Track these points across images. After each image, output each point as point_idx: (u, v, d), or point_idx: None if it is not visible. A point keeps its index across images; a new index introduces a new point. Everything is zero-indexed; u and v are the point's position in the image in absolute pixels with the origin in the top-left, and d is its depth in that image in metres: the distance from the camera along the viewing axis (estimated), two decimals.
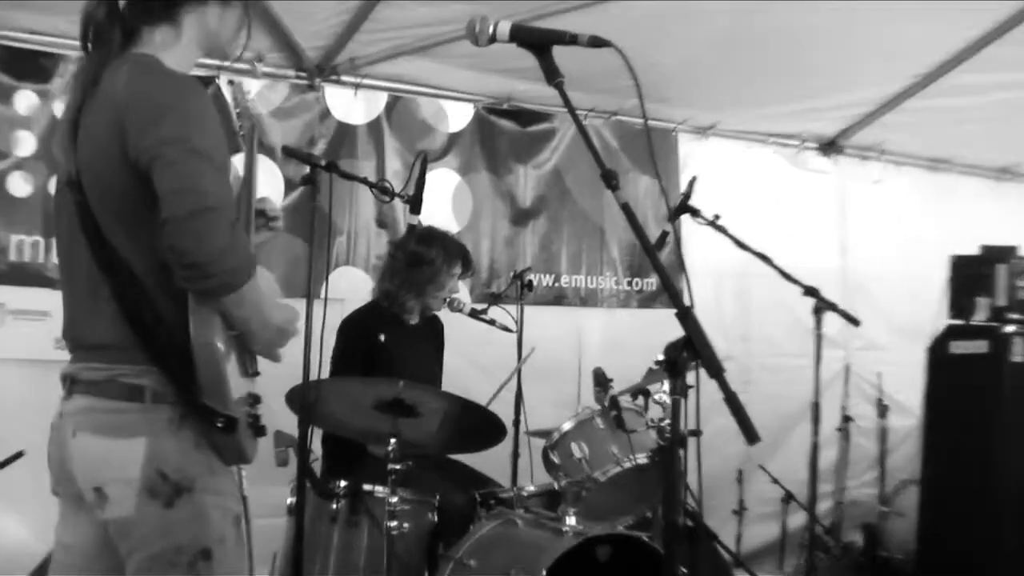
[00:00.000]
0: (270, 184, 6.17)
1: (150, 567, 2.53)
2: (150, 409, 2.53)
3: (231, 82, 3.46)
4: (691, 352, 2.33)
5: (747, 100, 7.30)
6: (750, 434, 2.27)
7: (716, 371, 2.28)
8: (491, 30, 2.71)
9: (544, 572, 4.11)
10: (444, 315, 5.59)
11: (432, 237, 5.36)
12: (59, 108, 5.68)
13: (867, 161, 8.46)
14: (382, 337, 5.18)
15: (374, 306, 5.40)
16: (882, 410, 7.74)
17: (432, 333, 5.62)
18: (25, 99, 5.63)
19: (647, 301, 7.63)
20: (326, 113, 6.54)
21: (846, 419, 7.63)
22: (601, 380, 5.19)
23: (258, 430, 2.72)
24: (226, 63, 5.95)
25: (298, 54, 6.20)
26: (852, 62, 6.65)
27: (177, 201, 2.35)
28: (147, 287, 2.51)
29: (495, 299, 5.80)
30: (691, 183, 5.40)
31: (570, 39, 2.60)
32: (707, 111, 7.56)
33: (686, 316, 2.35)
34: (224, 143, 2.56)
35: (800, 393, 6.33)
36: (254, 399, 2.73)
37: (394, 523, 4.30)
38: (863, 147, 8.35)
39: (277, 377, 3.11)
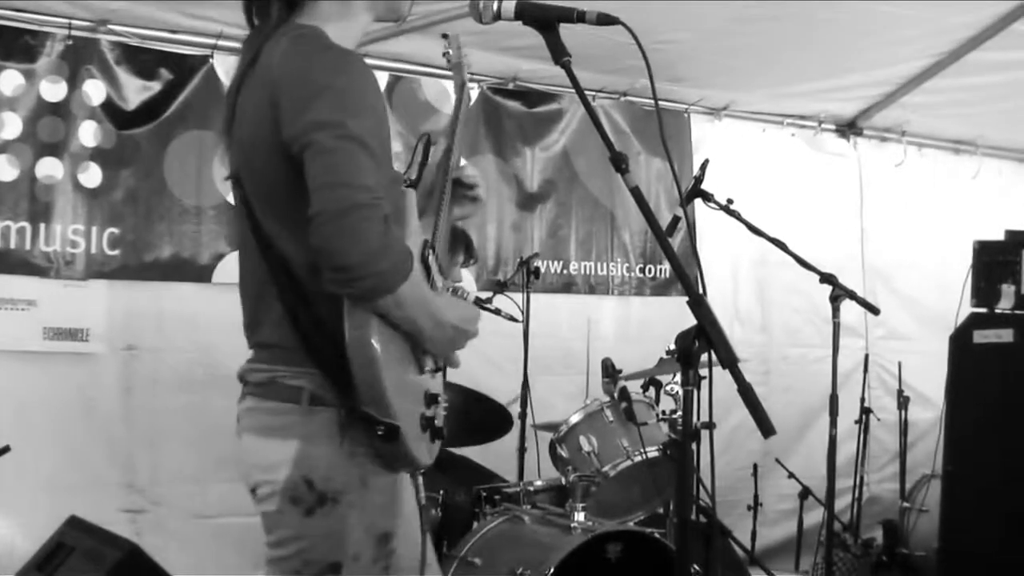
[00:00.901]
0: None
1: (278, 569, 2.53)
2: (307, 412, 2.47)
3: (445, 36, 3.43)
4: (704, 341, 2.33)
5: (763, 80, 7.29)
6: (765, 427, 2.27)
7: (730, 361, 2.27)
8: (495, 7, 2.72)
9: (552, 570, 4.11)
10: None
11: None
12: (46, 88, 5.70)
13: (888, 143, 8.45)
14: None
15: None
16: (903, 402, 7.73)
17: None
18: (10, 79, 5.64)
19: (660, 289, 7.63)
20: None
21: (866, 412, 7.63)
22: (610, 371, 5.19)
23: (435, 432, 2.63)
24: (221, 41, 5.97)
25: None
26: (872, 39, 6.63)
27: (326, 196, 2.26)
28: (305, 286, 2.45)
29: (501, 287, 5.81)
30: (703, 166, 5.40)
31: (578, 17, 2.61)
32: (721, 91, 7.55)
33: (699, 304, 2.35)
34: (385, 127, 2.49)
35: (820, 385, 6.34)
36: (431, 398, 2.64)
37: None
38: (884, 128, 8.34)
39: None
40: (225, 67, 6.08)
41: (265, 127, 2.41)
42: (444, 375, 2.83)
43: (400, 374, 2.47)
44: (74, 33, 5.69)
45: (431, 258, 2.66)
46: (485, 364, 6.34)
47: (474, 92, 7.02)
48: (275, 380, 2.52)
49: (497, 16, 2.72)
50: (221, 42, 5.99)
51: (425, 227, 2.76)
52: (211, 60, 6.05)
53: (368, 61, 7.08)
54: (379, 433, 2.41)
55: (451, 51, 3.39)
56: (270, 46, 2.50)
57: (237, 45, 6.08)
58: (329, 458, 2.46)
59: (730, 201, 5.28)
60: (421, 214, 2.77)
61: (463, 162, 3.14)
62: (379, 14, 2.78)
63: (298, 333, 2.47)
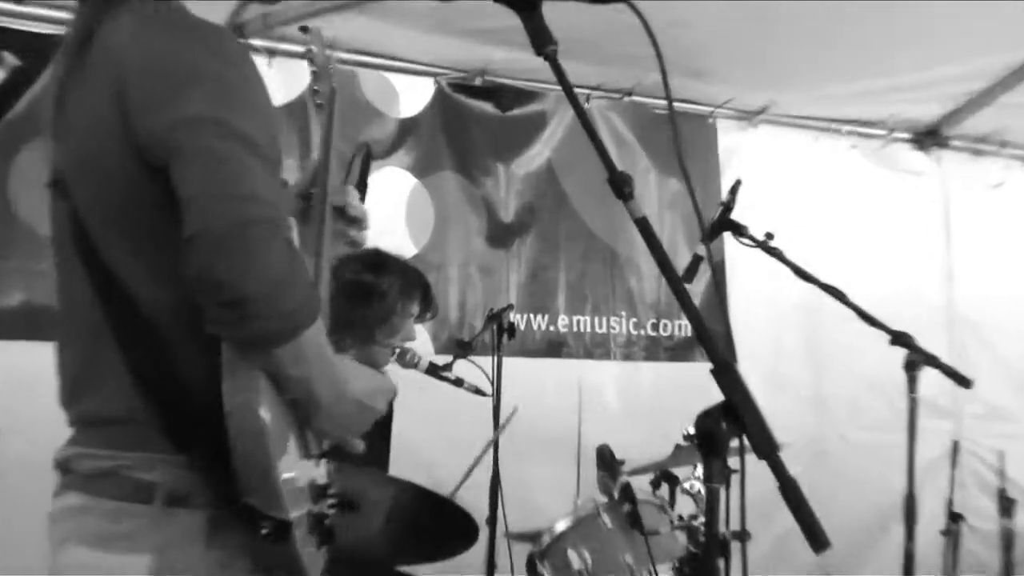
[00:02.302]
0: None
1: None
2: (164, 515, 2.41)
3: (304, 28, 3.44)
4: (733, 422, 2.33)
5: (811, 74, 7.35)
6: (817, 539, 2.26)
7: (768, 449, 2.27)
8: None
9: None
10: (393, 372, 5.60)
11: (384, 261, 5.36)
12: None
13: (981, 157, 8.52)
14: None
15: None
16: (1006, 505, 7.73)
17: None
18: None
19: (679, 352, 7.66)
20: None
21: (955, 518, 7.63)
22: (609, 462, 5.18)
23: (324, 535, 2.62)
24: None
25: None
26: (961, 20, 6.68)
27: (209, 211, 2.21)
28: (162, 333, 2.39)
29: (465, 349, 5.80)
30: (734, 189, 5.42)
31: None
32: (756, 89, 7.61)
33: (726, 372, 2.35)
34: (276, 128, 2.46)
35: (892, 481, 6.31)
36: (319, 491, 2.63)
37: None
38: (975, 138, 8.41)
39: None
40: None
41: (107, 126, 2.37)
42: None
43: (288, 457, 2.44)
44: None
45: None
46: (444, 450, 6.33)
47: (429, 89, 7.06)
48: (117, 471, 2.44)
49: None
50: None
51: None
52: None
53: (285, 47, 7.14)
54: (263, 532, 2.38)
55: (314, 48, 3.45)
56: (108, 23, 2.47)
57: None
58: (197, 572, 2.41)
59: (769, 235, 5.29)
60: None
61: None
62: None
63: (151, 402, 2.41)
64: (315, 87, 3.32)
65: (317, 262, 2.86)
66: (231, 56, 2.41)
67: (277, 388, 2.39)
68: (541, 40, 2.60)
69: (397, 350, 5.37)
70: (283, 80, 6.70)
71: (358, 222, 3.14)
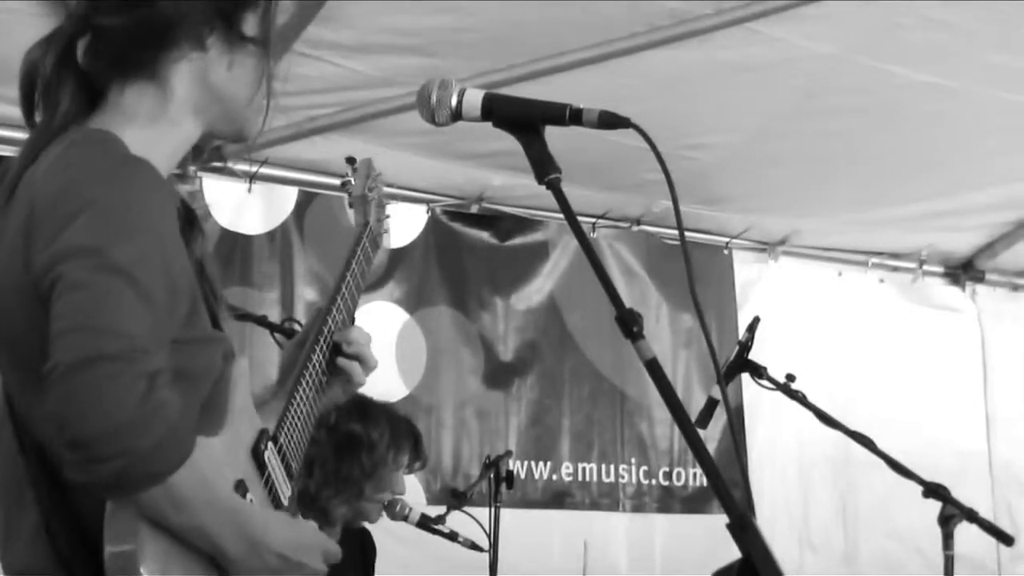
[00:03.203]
0: None
1: None
2: None
3: (351, 161, 3.50)
4: None
5: (834, 201, 7.39)
6: None
7: None
8: (455, 101, 2.72)
9: None
10: (380, 524, 5.55)
11: (372, 409, 5.33)
12: None
13: (1020, 292, 8.53)
14: None
15: None
16: None
17: (356, 555, 5.56)
18: None
19: (695, 503, 7.61)
20: (205, 216, 6.59)
21: None
22: None
23: None
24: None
25: None
26: (998, 140, 6.72)
27: (62, 344, 2.22)
28: (63, 480, 2.35)
29: (459, 500, 5.78)
30: (752, 326, 5.42)
31: (572, 116, 2.61)
32: (775, 217, 7.65)
33: (744, 528, 2.34)
34: (178, 258, 2.46)
35: None
36: None
37: None
38: (1016, 272, 8.44)
39: None
40: None
41: (15, 262, 2.41)
42: None
43: None
44: None
45: (269, 454, 2.66)
46: None
47: (422, 216, 7.10)
48: None
49: (456, 115, 2.72)
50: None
51: (268, 410, 2.78)
52: None
53: (268, 172, 7.19)
54: None
55: (355, 181, 3.49)
56: (41, 156, 2.53)
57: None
58: None
59: (791, 377, 5.29)
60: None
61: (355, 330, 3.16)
62: (213, 126, 2.76)
63: (53, 551, 2.43)
64: (367, 218, 3.37)
65: (288, 403, 2.83)
66: (127, 183, 2.43)
67: (174, 537, 2.35)
68: (544, 168, 2.61)
69: (386, 502, 5.35)
70: (264, 206, 6.75)
71: (362, 363, 3.10)
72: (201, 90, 2.67)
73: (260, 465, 2.61)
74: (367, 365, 3.10)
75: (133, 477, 2.23)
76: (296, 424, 2.82)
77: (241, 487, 2.48)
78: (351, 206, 3.45)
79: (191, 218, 2.74)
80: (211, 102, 2.69)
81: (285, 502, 2.70)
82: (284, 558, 2.48)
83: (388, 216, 3.56)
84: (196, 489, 2.31)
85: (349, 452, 5.20)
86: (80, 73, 2.62)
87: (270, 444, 2.66)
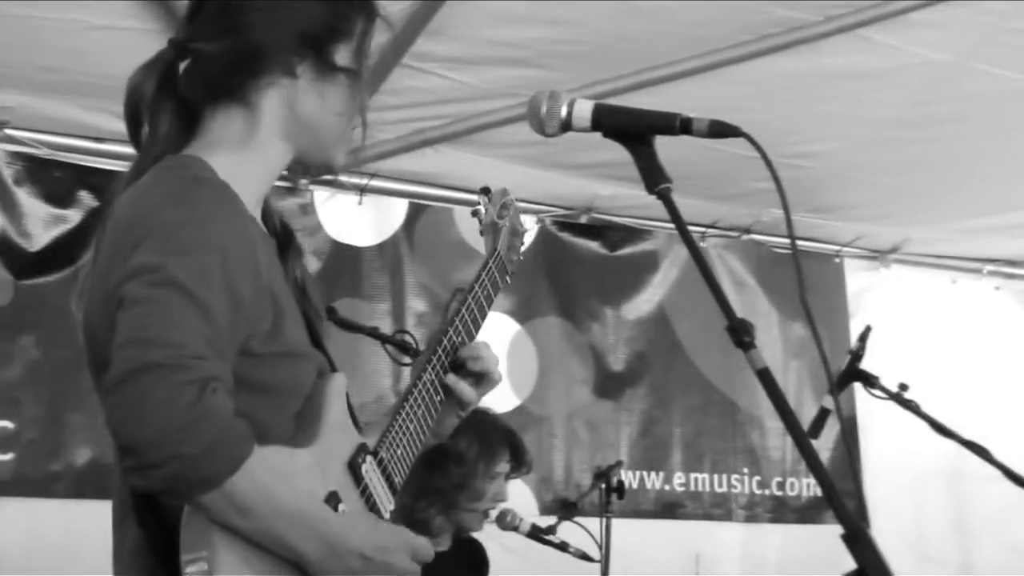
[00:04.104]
0: None
1: None
2: None
3: (487, 191, 3.55)
4: None
5: (947, 208, 7.31)
6: None
7: None
8: (564, 112, 2.71)
9: None
10: (490, 534, 5.56)
11: (464, 420, 5.32)
12: None
13: None
14: None
15: None
16: None
17: (469, 564, 5.57)
18: None
19: (809, 513, 7.56)
20: (316, 229, 6.64)
21: None
22: None
23: None
24: None
25: None
26: None
27: (117, 357, 2.30)
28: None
29: (569, 510, 5.77)
30: (864, 335, 5.38)
31: (682, 126, 2.60)
32: (887, 225, 7.59)
33: (858, 539, 2.32)
34: (244, 272, 2.49)
35: None
36: None
37: None
38: None
39: None
40: None
41: (105, 287, 2.50)
42: None
43: None
44: None
45: (367, 467, 2.67)
46: None
47: (532, 228, 7.09)
48: None
49: (567, 125, 2.72)
50: None
51: (374, 430, 2.79)
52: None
53: (377, 184, 7.22)
54: None
55: (486, 209, 3.50)
56: (140, 181, 2.61)
57: None
58: None
59: (904, 387, 5.24)
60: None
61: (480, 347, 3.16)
62: (301, 153, 2.82)
63: (146, 563, 2.51)
64: (496, 246, 3.40)
65: (393, 420, 2.85)
66: (192, 203, 2.49)
67: (250, 543, 2.39)
68: (654, 178, 2.60)
69: (494, 512, 5.34)
70: (375, 218, 6.78)
71: (481, 379, 3.12)
72: (290, 117, 2.73)
73: (357, 478, 2.63)
74: (491, 381, 3.13)
75: (185, 482, 2.28)
76: (400, 440, 2.84)
77: (333, 498, 2.50)
78: (482, 234, 3.44)
79: (288, 238, 2.83)
80: (299, 130, 2.75)
81: (386, 515, 2.71)
82: (367, 559, 2.50)
83: (523, 244, 3.57)
84: (258, 494, 2.34)
85: (437, 464, 5.21)
86: (179, 98, 2.70)
87: (369, 458, 2.68)
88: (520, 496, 6.49)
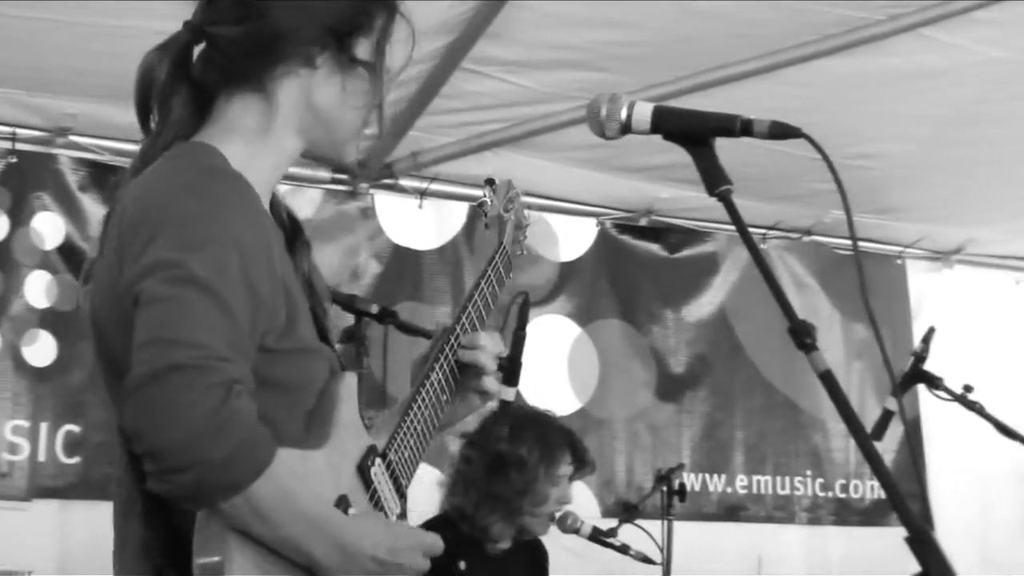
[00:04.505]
0: None
1: None
2: None
3: (491, 182, 3.52)
4: None
5: (1011, 208, 7.24)
6: None
7: None
8: (624, 114, 2.70)
9: None
10: (551, 536, 5.55)
11: (520, 424, 5.30)
12: None
13: None
14: (462, 565, 5.14)
15: (447, 520, 5.37)
16: None
17: (530, 565, 5.56)
18: None
19: (872, 516, 7.52)
20: (377, 232, 6.66)
21: None
22: None
23: None
24: None
25: None
26: None
27: (139, 356, 2.27)
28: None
29: (630, 513, 5.75)
30: (927, 337, 5.35)
31: (743, 128, 2.58)
32: (950, 226, 7.54)
33: (922, 542, 2.30)
34: (264, 268, 2.46)
35: None
36: None
37: None
38: None
39: None
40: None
41: (113, 280, 2.46)
42: None
43: None
44: (20, 147, 5.91)
45: (376, 469, 2.65)
46: None
47: (591, 230, 7.10)
48: None
49: (626, 128, 2.70)
50: None
51: (382, 429, 2.79)
52: None
53: (437, 188, 7.23)
54: None
55: (492, 202, 3.47)
56: (147, 170, 2.58)
57: None
58: None
59: (968, 388, 5.21)
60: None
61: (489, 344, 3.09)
62: (313, 146, 2.78)
63: (151, 564, 2.48)
64: (500, 237, 3.38)
65: (401, 420, 2.84)
66: (211, 195, 2.45)
67: (264, 548, 2.37)
68: (715, 180, 2.57)
69: (557, 515, 5.33)
70: (435, 221, 6.79)
71: (484, 393, 3.11)
72: (306, 108, 2.69)
73: (367, 481, 2.61)
74: (484, 372, 3.08)
75: (208, 487, 2.25)
76: (408, 442, 2.83)
77: (343, 502, 2.48)
78: (487, 227, 3.41)
79: (297, 231, 2.79)
80: (314, 122, 2.71)
81: (393, 519, 2.69)
82: (380, 561, 2.48)
83: (525, 238, 3.55)
84: (279, 500, 2.32)
85: (499, 471, 5.20)
86: (193, 82, 2.66)
87: (378, 460, 2.67)
88: (582, 499, 6.48)
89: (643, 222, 7.21)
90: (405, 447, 2.81)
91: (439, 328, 3.15)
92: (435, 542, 2.65)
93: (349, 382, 2.65)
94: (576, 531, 5.40)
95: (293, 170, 6.27)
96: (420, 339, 4.30)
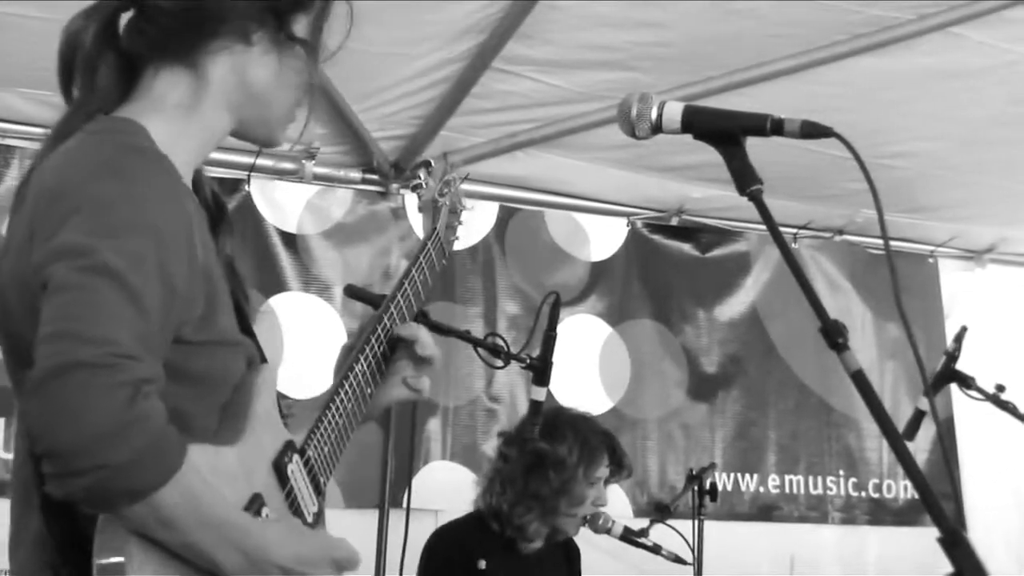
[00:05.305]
0: (325, 340, 6.23)
1: None
2: None
3: (427, 164, 3.47)
4: None
5: None
6: None
7: None
8: (655, 114, 2.71)
9: None
10: (583, 536, 5.55)
11: (561, 424, 5.32)
12: None
13: None
14: (482, 564, 5.15)
15: (477, 519, 5.37)
16: None
17: (563, 565, 5.56)
18: None
19: (907, 515, 7.48)
20: (408, 232, 6.66)
21: None
22: None
23: None
24: (259, 160, 6.13)
25: (366, 147, 6.39)
26: None
27: (42, 351, 2.14)
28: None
29: (662, 513, 5.74)
30: (959, 336, 5.33)
31: (773, 127, 2.59)
32: (982, 225, 7.51)
33: (956, 543, 2.29)
34: (183, 256, 2.35)
35: None
36: None
37: None
38: None
39: None
40: (265, 196, 6.26)
41: (21, 263, 2.34)
42: None
43: None
44: None
45: (293, 466, 2.57)
46: None
47: (622, 230, 7.09)
48: None
49: (657, 127, 2.71)
50: (260, 161, 6.16)
51: (301, 422, 2.70)
52: (246, 187, 6.23)
53: (468, 188, 7.24)
54: None
55: (427, 184, 3.43)
56: (63, 145, 2.44)
57: (273, 164, 6.30)
58: None
59: (1001, 388, 5.19)
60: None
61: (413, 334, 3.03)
62: (244, 126, 2.68)
63: (49, 559, 2.38)
64: (436, 225, 3.33)
65: (323, 413, 2.74)
66: (128, 176, 2.34)
67: (167, 551, 2.26)
68: (745, 179, 2.58)
69: (588, 516, 5.34)
70: (466, 222, 6.76)
71: (426, 363, 3.03)
72: (238, 86, 2.59)
73: (283, 479, 2.53)
74: (432, 364, 3.04)
75: (110, 493, 2.15)
76: (328, 437, 2.74)
77: (256, 501, 2.40)
78: (420, 210, 3.38)
79: (222, 214, 2.70)
80: (246, 100, 2.62)
81: (309, 518, 2.61)
82: (286, 570, 2.39)
83: (460, 223, 3.53)
84: (185, 506, 2.22)
85: (537, 470, 5.21)
86: (119, 51, 2.54)
87: (296, 457, 2.58)
88: (615, 499, 6.47)
89: (674, 221, 7.20)
90: (325, 443, 2.73)
91: (365, 318, 3.08)
92: (349, 555, 2.55)
93: (267, 374, 2.57)
94: (608, 531, 5.41)
95: (324, 170, 6.39)
96: (452, 340, 4.31)
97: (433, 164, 3.45)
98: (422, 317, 4.27)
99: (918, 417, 5.36)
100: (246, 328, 2.63)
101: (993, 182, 6.87)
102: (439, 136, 6.26)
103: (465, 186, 6.66)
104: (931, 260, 7.67)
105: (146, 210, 2.30)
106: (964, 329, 5.39)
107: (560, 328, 4.74)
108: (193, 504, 2.22)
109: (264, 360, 2.64)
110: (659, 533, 5.46)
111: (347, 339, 6.21)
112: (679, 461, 7.06)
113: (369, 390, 2.90)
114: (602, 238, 7.09)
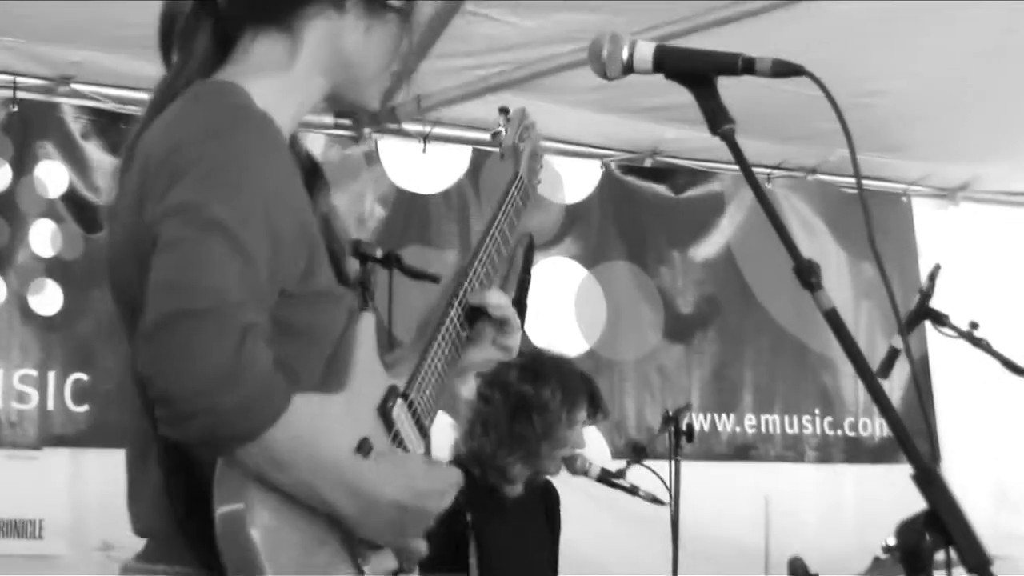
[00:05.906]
0: None
1: None
2: None
3: (504, 111, 3.47)
4: (938, 535, 2.28)
5: (1019, 142, 7.22)
6: None
7: (978, 563, 2.21)
8: (626, 54, 2.69)
9: None
10: (561, 478, 5.57)
11: (544, 368, 5.33)
12: None
13: None
14: (469, 517, 5.16)
15: (459, 466, 5.37)
16: None
17: (542, 508, 5.58)
18: None
19: (882, 453, 7.54)
20: (381, 177, 6.66)
21: None
22: (802, 575, 5.11)
23: None
24: None
25: None
26: None
27: (153, 302, 2.23)
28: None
29: (639, 454, 5.77)
30: (933, 274, 5.34)
31: (744, 66, 2.57)
32: (956, 163, 7.52)
33: (929, 480, 2.30)
34: (277, 210, 2.41)
35: None
36: None
37: None
38: None
39: None
40: None
41: (133, 223, 2.43)
42: None
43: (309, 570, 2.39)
44: (21, 95, 5.92)
45: (398, 410, 2.62)
46: (620, 561, 6.29)
47: (596, 172, 7.09)
48: None
49: (628, 68, 2.69)
50: None
51: (401, 368, 2.75)
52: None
53: (441, 131, 7.22)
54: None
55: (506, 131, 3.43)
56: (168, 109, 2.53)
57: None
58: None
59: (974, 325, 5.21)
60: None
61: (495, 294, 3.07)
62: (337, 91, 2.75)
63: (173, 512, 2.43)
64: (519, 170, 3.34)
65: (421, 361, 2.80)
66: (237, 136, 2.42)
67: (285, 496, 2.35)
68: (717, 119, 2.57)
69: (566, 458, 5.36)
70: (439, 166, 6.78)
71: (504, 325, 3.02)
72: (332, 52, 2.65)
73: (388, 423, 2.58)
74: (512, 327, 3.03)
75: (220, 435, 2.23)
76: (430, 381, 2.79)
77: (365, 445, 2.42)
78: (502, 157, 3.39)
79: (316, 172, 2.77)
80: (339, 66, 2.68)
81: (411, 453, 2.64)
82: (403, 507, 2.46)
83: (542, 167, 3.48)
84: (296, 448, 2.30)
85: (522, 413, 5.22)
86: (217, 18, 2.61)
87: (399, 401, 2.63)
88: (593, 441, 6.49)
89: (648, 163, 7.20)
90: (427, 386, 2.78)
91: (458, 264, 3.11)
92: (458, 477, 2.63)
93: (366, 323, 2.62)
94: (585, 473, 5.42)
95: None
96: (425, 283, 4.32)
97: (511, 111, 3.45)
98: (395, 261, 4.28)
99: (892, 355, 5.38)
100: (343, 281, 2.68)
101: (966, 118, 6.87)
102: (411, 79, 6.23)
103: (438, 130, 6.71)
104: (904, 199, 7.69)
105: (253, 169, 2.37)
106: (938, 267, 5.40)
107: (535, 271, 4.73)
108: (302, 446, 2.30)
109: (364, 309, 2.68)
110: (636, 474, 5.49)
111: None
112: (656, 402, 7.09)
113: (465, 333, 2.94)
114: (576, 180, 7.09)
